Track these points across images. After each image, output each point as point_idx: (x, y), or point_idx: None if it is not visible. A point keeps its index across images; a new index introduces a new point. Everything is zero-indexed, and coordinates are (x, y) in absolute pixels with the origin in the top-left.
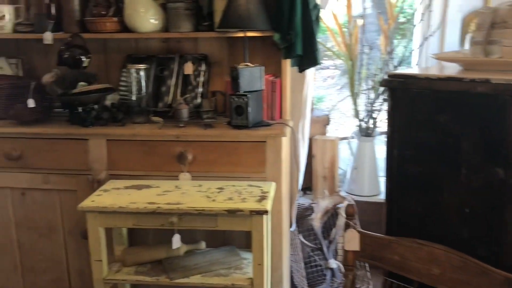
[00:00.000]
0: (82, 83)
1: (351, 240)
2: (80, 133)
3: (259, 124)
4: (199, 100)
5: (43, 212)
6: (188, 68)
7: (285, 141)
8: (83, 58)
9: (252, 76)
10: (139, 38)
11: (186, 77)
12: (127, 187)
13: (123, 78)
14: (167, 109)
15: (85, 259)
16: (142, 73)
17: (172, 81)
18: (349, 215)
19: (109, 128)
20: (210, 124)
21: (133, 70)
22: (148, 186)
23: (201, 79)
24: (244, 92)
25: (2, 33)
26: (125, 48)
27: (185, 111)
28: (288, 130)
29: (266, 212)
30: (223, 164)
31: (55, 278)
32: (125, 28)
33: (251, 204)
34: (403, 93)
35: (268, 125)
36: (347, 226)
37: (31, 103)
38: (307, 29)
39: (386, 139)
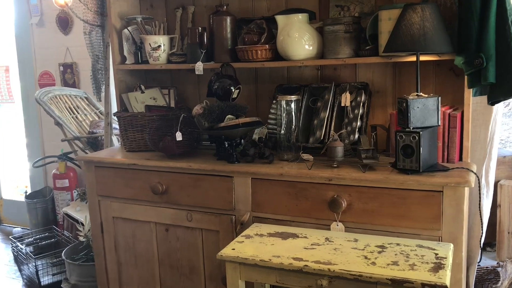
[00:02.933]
0: (229, 116)
1: None
2: (224, 170)
3: (433, 169)
4: (356, 135)
5: (185, 251)
6: (346, 99)
7: (468, 192)
8: (233, 89)
9: (426, 109)
10: (291, 66)
11: (341, 109)
12: (271, 234)
13: (272, 111)
14: (318, 145)
15: None
16: (293, 105)
17: (326, 114)
18: None
19: (255, 166)
20: (370, 166)
21: (283, 102)
22: (294, 235)
23: (360, 111)
24: (415, 128)
25: (157, 64)
26: (276, 78)
27: (339, 149)
28: (472, 178)
29: (444, 287)
30: (385, 215)
31: None
32: (277, 55)
33: (423, 274)
34: None
35: (445, 170)
36: None
37: (178, 136)
38: (504, 50)
39: None
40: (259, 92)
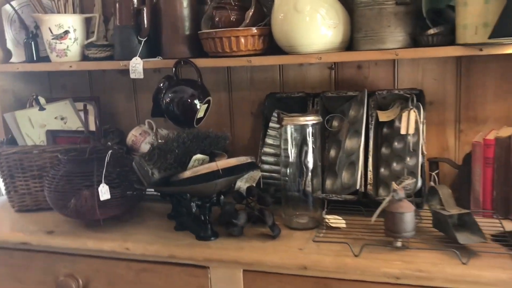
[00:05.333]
0: (198, 156)
1: None
2: (193, 255)
3: None
4: (419, 183)
5: None
6: (410, 123)
7: None
8: (198, 104)
9: None
10: (287, 65)
11: (377, 134)
12: None
13: (269, 140)
14: (351, 198)
15: None
16: (309, 131)
17: (359, 143)
18: None
19: (248, 244)
20: (473, 250)
21: (290, 128)
22: None
23: (420, 139)
24: None
25: (64, 61)
26: (263, 82)
27: (410, 217)
28: None
29: None
30: None
31: None
32: (271, 45)
33: None
34: None
35: None
36: None
37: (104, 192)
38: None
39: None
40: (234, 106)
